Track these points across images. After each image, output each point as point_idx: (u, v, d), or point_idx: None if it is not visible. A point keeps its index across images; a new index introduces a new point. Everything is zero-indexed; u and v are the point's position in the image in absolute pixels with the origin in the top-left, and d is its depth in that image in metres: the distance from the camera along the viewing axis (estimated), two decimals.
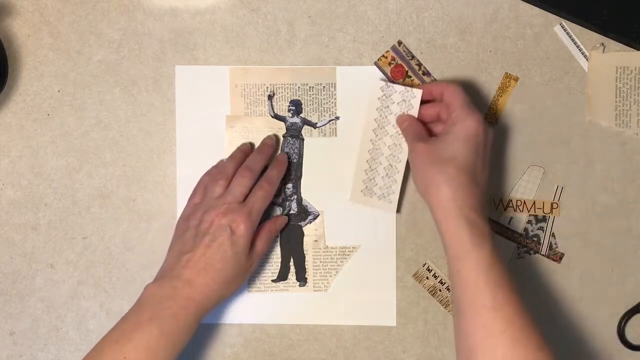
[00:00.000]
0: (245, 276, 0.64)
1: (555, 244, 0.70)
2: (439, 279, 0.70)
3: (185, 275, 0.60)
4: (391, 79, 0.69)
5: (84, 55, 0.69)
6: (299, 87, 0.69)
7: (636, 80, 0.69)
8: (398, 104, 0.66)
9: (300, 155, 0.69)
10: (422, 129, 0.64)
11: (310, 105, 0.69)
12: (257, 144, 0.69)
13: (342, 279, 0.70)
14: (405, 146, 0.67)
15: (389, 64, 0.69)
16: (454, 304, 0.57)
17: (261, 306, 0.70)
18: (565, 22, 0.69)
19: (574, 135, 0.70)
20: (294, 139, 0.69)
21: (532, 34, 0.69)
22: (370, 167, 0.68)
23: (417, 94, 0.66)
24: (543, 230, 0.70)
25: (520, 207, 0.70)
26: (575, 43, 0.69)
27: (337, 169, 0.69)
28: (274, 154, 0.69)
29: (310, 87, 0.69)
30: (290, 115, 0.69)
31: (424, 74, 0.69)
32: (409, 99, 0.66)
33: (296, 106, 0.69)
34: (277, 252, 0.70)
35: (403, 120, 0.65)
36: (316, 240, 0.70)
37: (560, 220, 0.70)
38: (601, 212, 0.70)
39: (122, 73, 0.69)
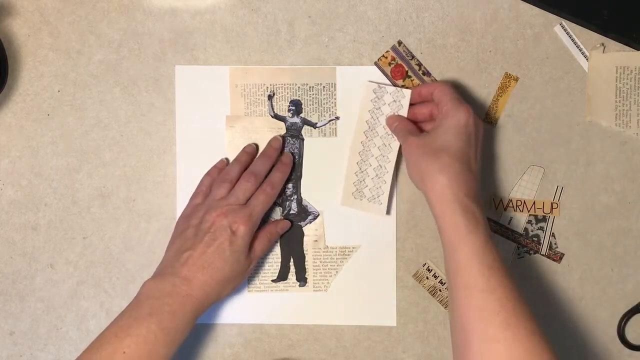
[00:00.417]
0: (243, 276, 0.65)
1: (555, 244, 0.70)
2: (439, 279, 0.70)
3: (184, 273, 0.60)
4: (391, 79, 0.69)
5: (84, 55, 0.69)
6: (299, 87, 0.69)
7: (636, 80, 0.69)
8: (389, 104, 0.67)
9: (301, 155, 0.69)
10: (413, 126, 0.66)
11: (310, 105, 0.69)
12: (256, 144, 0.69)
13: (342, 279, 0.70)
14: (394, 146, 0.67)
15: (389, 64, 0.69)
16: (449, 287, 0.58)
17: (261, 306, 0.70)
18: (565, 22, 0.69)
19: (574, 135, 0.70)
20: (294, 139, 0.69)
21: (532, 34, 0.69)
22: (360, 169, 0.68)
23: (407, 94, 0.67)
24: (543, 230, 0.70)
25: (520, 207, 0.70)
26: (575, 43, 0.69)
27: (337, 169, 0.69)
28: (279, 156, 0.69)
29: (310, 87, 0.69)
30: (290, 115, 0.69)
31: (424, 74, 0.69)
32: (399, 99, 0.67)
33: (296, 106, 0.69)
34: (277, 252, 0.70)
35: (393, 121, 0.66)
36: (316, 240, 0.70)
37: (560, 220, 0.70)
38: (601, 212, 0.70)
39: (122, 73, 0.69)
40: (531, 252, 0.70)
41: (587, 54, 0.69)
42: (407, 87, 0.67)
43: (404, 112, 0.67)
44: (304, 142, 0.69)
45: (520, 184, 0.70)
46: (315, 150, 0.69)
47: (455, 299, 0.56)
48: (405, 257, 0.70)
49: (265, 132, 0.70)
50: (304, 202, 0.70)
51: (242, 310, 0.70)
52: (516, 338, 0.53)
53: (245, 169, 0.67)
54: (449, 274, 0.58)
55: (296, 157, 0.69)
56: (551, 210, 0.70)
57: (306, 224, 0.70)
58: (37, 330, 0.69)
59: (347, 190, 0.68)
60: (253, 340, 0.70)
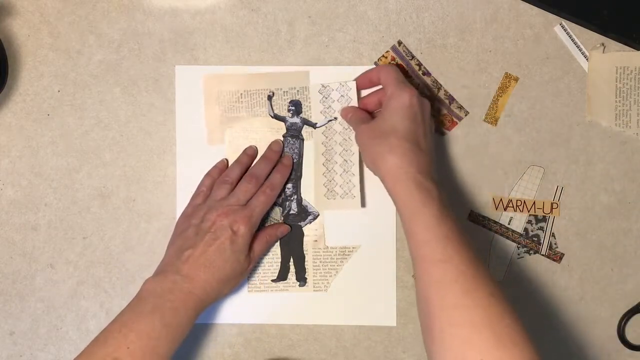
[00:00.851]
0: (242, 276, 0.65)
1: (555, 244, 0.70)
2: None
3: (185, 271, 0.61)
4: None
5: (84, 55, 0.69)
6: (272, 93, 0.69)
7: (636, 80, 0.69)
8: (338, 100, 0.68)
9: (300, 156, 0.69)
10: (366, 114, 0.66)
11: (284, 110, 0.69)
12: (257, 143, 0.69)
13: (342, 279, 0.70)
14: (354, 137, 0.67)
15: (389, 64, 0.69)
16: (412, 262, 0.58)
17: (261, 306, 0.70)
18: (565, 22, 0.69)
19: (574, 135, 0.70)
20: (294, 139, 0.69)
21: (532, 34, 0.69)
22: (327, 169, 0.68)
23: (352, 85, 0.67)
24: (543, 230, 0.70)
25: (520, 207, 0.70)
26: (575, 43, 0.69)
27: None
28: (279, 159, 0.69)
29: (284, 91, 0.69)
30: (290, 115, 0.69)
31: (424, 74, 0.69)
32: (346, 93, 0.67)
33: (296, 106, 0.69)
34: (277, 252, 0.70)
35: (347, 112, 0.67)
36: (316, 241, 0.70)
37: (560, 220, 0.70)
38: (601, 212, 0.70)
39: (122, 73, 0.69)
40: (531, 252, 0.70)
41: (587, 54, 0.69)
42: (352, 80, 0.68)
43: (354, 104, 0.68)
44: (304, 142, 0.69)
45: (520, 184, 0.70)
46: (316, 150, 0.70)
47: (417, 272, 0.57)
48: (405, 257, 0.70)
49: (264, 132, 0.70)
50: (303, 202, 0.70)
51: (242, 310, 0.70)
52: (476, 303, 0.53)
53: (246, 170, 0.68)
54: (409, 247, 0.58)
55: (296, 157, 0.69)
56: (551, 210, 0.70)
57: (306, 224, 0.70)
58: (37, 330, 0.69)
59: (319, 193, 0.69)
60: (253, 340, 0.70)
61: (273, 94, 0.69)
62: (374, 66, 0.69)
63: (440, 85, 0.69)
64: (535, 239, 0.70)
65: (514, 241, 0.70)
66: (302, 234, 0.70)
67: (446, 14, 0.69)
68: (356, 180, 0.68)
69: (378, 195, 0.67)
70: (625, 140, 0.70)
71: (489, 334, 0.52)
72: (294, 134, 0.69)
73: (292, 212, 0.70)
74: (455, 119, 0.70)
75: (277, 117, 0.69)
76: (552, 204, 0.70)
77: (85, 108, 0.69)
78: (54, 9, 0.69)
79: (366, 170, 0.68)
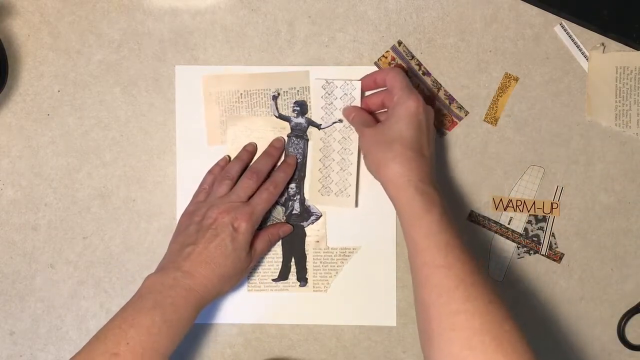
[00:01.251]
0: (243, 273, 0.65)
1: (555, 244, 0.70)
2: None
3: (186, 267, 0.61)
4: None
5: (84, 55, 0.69)
6: (272, 93, 0.69)
7: (636, 80, 0.69)
8: (340, 98, 0.68)
9: (305, 156, 0.69)
10: (369, 116, 0.66)
11: (287, 110, 0.69)
12: (259, 142, 0.69)
13: (342, 280, 0.70)
14: (354, 137, 0.68)
15: (389, 64, 0.69)
16: (411, 269, 0.59)
17: (261, 306, 0.70)
18: (565, 22, 0.69)
19: (574, 135, 0.70)
20: (298, 139, 0.69)
21: (532, 34, 0.69)
22: (324, 165, 0.68)
23: (357, 85, 0.67)
24: (543, 230, 0.70)
25: (520, 207, 0.70)
26: (575, 43, 0.69)
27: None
28: (281, 156, 0.69)
29: (284, 91, 0.69)
30: (295, 115, 0.69)
31: (424, 74, 0.69)
32: (350, 92, 0.67)
33: (301, 107, 0.69)
34: (278, 251, 0.70)
35: (349, 112, 0.67)
36: (318, 241, 0.70)
37: (560, 220, 0.70)
38: (601, 212, 0.70)
39: (122, 73, 0.69)
40: (531, 252, 0.70)
41: (587, 54, 0.69)
42: (357, 80, 0.68)
43: (357, 103, 0.67)
44: (308, 142, 0.69)
45: (520, 184, 0.70)
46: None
47: (416, 278, 0.58)
48: (405, 258, 0.69)
49: (267, 131, 0.70)
50: (306, 203, 0.70)
51: (242, 310, 0.70)
52: (475, 309, 0.54)
53: (246, 167, 0.68)
54: (409, 253, 0.59)
55: (300, 157, 0.69)
56: (551, 210, 0.70)
57: (308, 224, 0.70)
58: (37, 330, 0.69)
59: (314, 188, 0.69)
60: (253, 340, 0.70)
61: (278, 94, 0.69)
62: (374, 66, 0.69)
63: (440, 85, 0.69)
64: (535, 239, 0.70)
65: (514, 241, 0.70)
66: (304, 234, 0.70)
67: (446, 14, 0.69)
68: (353, 180, 0.68)
69: (378, 197, 0.67)
70: (625, 140, 0.70)
71: (489, 339, 0.52)
72: (298, 134, 0.69)
73: (294, 212, 0.70)
74: (455, 119, 0.70)
75: (282, 117, 0.69)
76: (552, 204, 0.70)
77: (85, 108, 0.69)
78: (54, 9, 0.69)
79: (363, 171, 0.68)
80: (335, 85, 0.68)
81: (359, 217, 0.69)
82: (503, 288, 0.70)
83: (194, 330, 0.70)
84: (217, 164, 0.69)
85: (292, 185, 0.69)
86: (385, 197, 0.61)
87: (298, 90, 0.69)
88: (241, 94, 0.69)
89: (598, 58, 0.69)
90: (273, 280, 0.70)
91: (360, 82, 0.67)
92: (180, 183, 0.69)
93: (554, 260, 0.70)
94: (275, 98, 0.69)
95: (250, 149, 0.69)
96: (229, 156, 0.69)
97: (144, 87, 0.69)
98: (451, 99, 0.70)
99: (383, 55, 0.69)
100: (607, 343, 0.70)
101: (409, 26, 0.69)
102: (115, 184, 0.69)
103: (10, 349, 0.70)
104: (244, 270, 0.65)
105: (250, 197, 0.65)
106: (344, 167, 0.68)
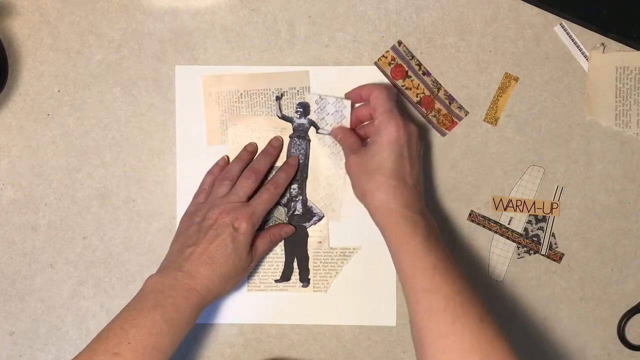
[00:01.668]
0: (244, 273, 0.65)
1: (555, 244, 0.70)
2: None
3: (187, 267, 0.61)
4: (391, 79, 0.69)
5: (84, 55, 0.69)
6: (272, 92, 0.69)
7: (636, 80, 0.69)
8: (332, 114, 0.68)
9: (307, 157, 0.69)
10: (355, 140, 0.66)
11: (286, 109, 0.69)
12: (260, 142, 0.69)
13: (343, 280, 0.70)
14: (342, 154, 0.68)
15: (389, 64, 0.69)
16: (403, 292, 0.60)
17: (261, 306, 0.70)
18: (565, 22, 0.69)
19: (574, 135, 0.70)
20: (300, 140, 0.69)
21: (532, 34, 0.69)
22: (313, 176, 0.69)
23: (347, 104, 0.67)
24: (543, 230, 0.70)
25: (520, 207, 0.70)
26: (575, 43, 0.69)
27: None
28: (279, 155, 0.70)
29: (284, 91, 0.69)
30: (298, 116, 0.69)
31: (424, 74, 0.69)
32: (340, 109, 0.68)
33: (304, 108, 0.69)
34: (279, 252, 0.70)
35: (337, 133, 0.68)
36: (320, 242, 0.70)
37: (560, 220, 0.70)
38: (601, 212, 0.70)
39: (122, 73, 0.69)
40: (531, 252, 0.70)
41: (587, 54, 0.69)
42: (347, 99, 0.68)
43: (346, 122, 0.68)
44: (310, 143, 0.69)
45: (520, 184, 0.70)
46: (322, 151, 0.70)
47: (408, 303, 0.58)
48: None
49: (268, 131, 0.70)
50: (309, 203, 0.70)
51: (242, 310, 0.70)
52: (465, 329, 0.54)
53: (247, 166, 0.68)
54: (399, 278, 0.60)
55: (302, 158, 0.69)
56: (551, 210, 0.70)
57: (310, 225, 0.70)
58: (37, 330, 0.69)
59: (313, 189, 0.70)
60: (253, 340, 0.70)
61: (282, 95, 0.69)
62: (374, 66, 0.69)
63: (440, 85, 0.69)
64: (535, 239, 0.70)
65: (514, 241, 0.70)
66: (307, 235, 0.70)
67: (446, 14, 0.69)
68: (339, 194, 0.69)
69: None
70: (625, 140, 0.70)
71: (478, 359, 0.53)
72: (300, 134, 0.69)
73: (297, 212, 0.70)
74: (455, 119, 0.70)
75: (284, 117, 0.69)
76: (552, 204, 0.70)
77: (85, 108, 0.69)
78: (54, 9, 0.69)
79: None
80: (327, 101, 0.68)
81: (359, 217, 0.69)
82: (503, 288, 0.70)
83: (194, 330, 0.69)
84: (216, 164, 0.69)
85: (294, 186, 0.69)
86: None
87: (298, 90, 0.69)
88: (241, 94, 0.69)
89: (598, 58, 0.69)
90: (275, 281, 0.70)
91: (350, 101, 0.67)
92: (180, 183, 0.69)
93: (554, 260, 0.70)
94: (278, 99, 0.69)
95: (250, 149, 0.69)
96: (227, 156, 0.69)
97: (144, 87, 0.69)
98: (451, 99, 0.70)
99: (383, 55, 0.69)
100: (607, 343, 0.70)
101: (409, 26, 0.69)
102: (115, 184, 0.69)
103: (10, 349, 0.70)
104: (244, 270, 0.65)
105: (250, 197, 0.65)
106: (331, 182, 0.69)
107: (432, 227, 0.61)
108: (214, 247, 0.62)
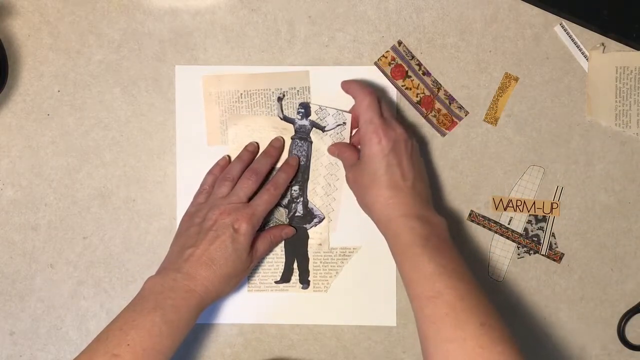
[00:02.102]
0: (243, 274, 0.65)
1: (555, 244, 0.70)
2: None
3: (187, 269, 0.61)
4: (391, 79, 0.69)
5: (84, 55, 0.69)
6: (272, 92, 0.69)
7: (636, 80, 0.69)
8: (331, 124, 0.68)
9: (308, 158, 0.69)
10: (350, 153, 0.66)
11: (286, 110, 0.69)
12: (261, 142, 0.69)
13: (343, 280, 0.70)
14: (340, 164, 0.68)
15: (389, 64, 0.69)
16: (409, 300, 0.60)
17: (261, 306, 0.70)
18: (565, 22, 0.69)
19: (574, 135, 0.70)
20: (302, 142, 0.69)
21: (532, 34, 0.69)
22: (310, 187, 0.70)
23: (348, 117, 0.68)
24: (543, 230, 0.70)
25: (520, 207, 0.70)
26: (575, 43, 0.69)
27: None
28: (280, 156, 0.70)
29: (284, 92, 0.69)
30: (300, 117, 0.69)
31: (424, 74, 0.69)
32: (341, 121, 0.68)
33: (305, 109, 0.69)
34: (279, 252, 0.70)
35: (333, 152, 0.68)
36: (320, 244, 0.70)
37: (560, 220, 0.70)
38: (601, 212, 0.70)
39: (122, 73, 0.69)
40: (531, 252, 0.70)
41: (587, 54, 0.69)
42: (347, 112, 0.68)
43: (347, 132, 0.68)
44: (312, 145, 0.69)
45: (520, 184, 0.70)
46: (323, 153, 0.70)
47: (413, 310, 0.59)
48: None
49: (268, 131, 0.70)
50: (309, 205, 0.70)
51: (242, 310, 0.70)
52: (467, 335, 0.54)
53: (247, 167, 0.68)
54: (404, 285, 0.60)
55: (304, 159, 0.69)
56: (551, 210, 0.70)
57: (311, 227, 0.70)
58: (37, 330, 0.69)
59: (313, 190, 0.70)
60: (253, 340, 0.70)
61: (284, 95, 0.69)
62: (374, 66, 0.69)
63: (440, 85, 0.70)
64: (535, 239, 0.70)
65: (514, 241, 0.70)
66: (307, 237, 0.70)
67: (446, 14, 0.69)
68: (336, 205, 0.69)
69: None
70: (625, 140, 0.70)
71: None
72: (302, 136, 0.69)
73: (297, 214, 0.70)
74: (455, 119, 0.70)
75: (286, 119, 0.69)
76: (552, 204, 0.70)
77: (85, 108, 0.69)
78: (54, 9, 0.69)
79: (346, 192, 0.69)
80: (327, 112, 0.68)
81: (360, 217, 0.69)
82: (503, 288, 0.70)
83: (194, 331, 0.70)
84: (217, 164, 0.69)
85: (296, 188, 0.69)
86: None
87: (298, 91, 0.69)
88: (241, 93, 0.69)
89: (598, 58, 0.69)
90: (275, 282, 0.70)
91: (350, 115, 0.67)
92: (180, 183, 0.69)
93: (554, 260, 0.70)
94: (280, 100, 0.69)
95: (251, 149, 0.69)
96: (229, 156, 0.69)
97: (144, 87, 0.69)
98: (451, 99, 0.70)
99: (383, 55, 0.69)
100: (607, 343, 0.70)
101: (409, 26, 0.69)
102: (115, 184, 0.69)
103: (10, 349, 0.70)
104: (245, 270, 0.65)
105: (250, 198, 0.65)
106: (329, 192, 0.69)
107: (436, 229, 0.61)
108: (214, 248, 0.62)
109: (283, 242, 0.70)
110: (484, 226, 0.70)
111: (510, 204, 0.70)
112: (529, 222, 0.70)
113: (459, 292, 0.56)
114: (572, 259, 0.70)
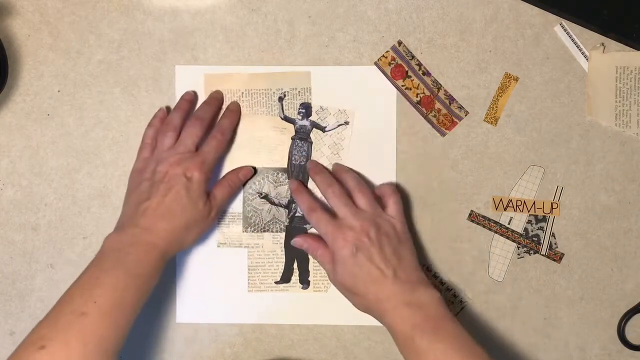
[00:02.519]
0: (204, 223, 0.65)
1: (555, 244, 0.70)
2: (438, 279, 0.70)
3: (144, 223, 0.61)
4: (391, 79, 0.69)
5: (84, 55, 0.69)
6: (274, 92, 0.69)
7: (636, 80, 0.69)
8: (332, 125, 0.69)
9: (308, 158, 0.69)
10: (322, 250, 0.65)
11: (287, 110, 0.69)
12: (261, 142, 0.69)
13: None
14: (343, 155, 0.68)
15: (389, 64, 0.69)
16: None
17: (261, 306, 0.70)
18: (565, 22, 0.69)
19: (574, 135, 0.70)
20: (302, 142, 0.69)
21: (532, 34, 0.69)
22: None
23: (350, 117, 0.68)
24: (543, 230, 0.70)
25: (520, 207, 0.70)
26: (575, 43, 0.69)
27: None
28: (222, 106, 0.69)
29: (285, 92, 0.69)
30: (300, 117, 0.69)
31: (424, 74, 0.69)
32: (343, 120, 0.68)
33: (306, 109, 0.69)
34: (279, 252, 0.70)
35: (299, 243, 0.67)
36: None
37: (560, 220, 0.70)
38: (601, 212, 0.70)
39: (122, 73, 0.69)
40: (531, 252, 0.70)
41: (587, 54, 0.69)
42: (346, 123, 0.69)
43: (347, 132, 0.68)
44: (312, 145, 0.69)
45: (520, 184, 0.70)
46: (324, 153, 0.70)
47: None
48: None
49: (268, 131, 0.69)
50: None
51: (242, 310, 0.70)
52: None
53: (186, 116, 0.67)
54: None
55: (304, 159, 0.69)
56: (551, 210, 0.70)
57: (311, 227, 0.70)
58: None
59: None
60: (253, 340, 0.70)
61: (285, 95, 0.69)
62: (374, 66, 0.69)
63: (440, 85, 0.70)
64: (535, 239, 0.70)
65: (514, 241, 0.70)
66: None
67: (446, 14, 0.69)
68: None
69: None
70: (625, 140, 0.70)
71: None
72: (302, 136, 0.69)
73: (297, 214, 0.70)
74: (455, 119, 0.70)
75: (287, 119, 0.69)
76: (552, 204, 0.70)
77: (85, 108, 0.69)
78: (54, 9, 0.69)
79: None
80: (329, 112, 0.68)
81: None
82: (503, 288, 0.70)
83: (194, 330, 0.70)
84: (156, 116, 0.68)
85: None
86: None
87: (299, 91, 0.69)
88: (242, 93, 0.69)
89: (598, 58, 0.69)
90: (275, 282, 0.70)
91: (352, 114, 0.68)
92: None
93: (554, 260, 0.70)
94: (281, 99, 0.69)
95: (188, 98, 0.68)
96: (166, 107, 0.68)
97: (144, 87, 0.69)
98: (451, 99, 0.70)
99: (383, 55, 0.69)
100: (607, 343, 0.70)
101: (409, 26, 0.69)
102: (115, 184, 0.69)
103: (10, 349, 0.69)
104: (204, 219, 0.64)
105: (197, 146, 0.65)
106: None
107: (428, 309, 0.60)
108: (169, 200, 0.61)
109: (283, 242, 0.70)
110: (484, 226, 0.70)
111: (510, 204, 0.70)
112: (529, 222, 0.70)
113: (447, 353, 0.57)
114: (572, 259, 0.70)
